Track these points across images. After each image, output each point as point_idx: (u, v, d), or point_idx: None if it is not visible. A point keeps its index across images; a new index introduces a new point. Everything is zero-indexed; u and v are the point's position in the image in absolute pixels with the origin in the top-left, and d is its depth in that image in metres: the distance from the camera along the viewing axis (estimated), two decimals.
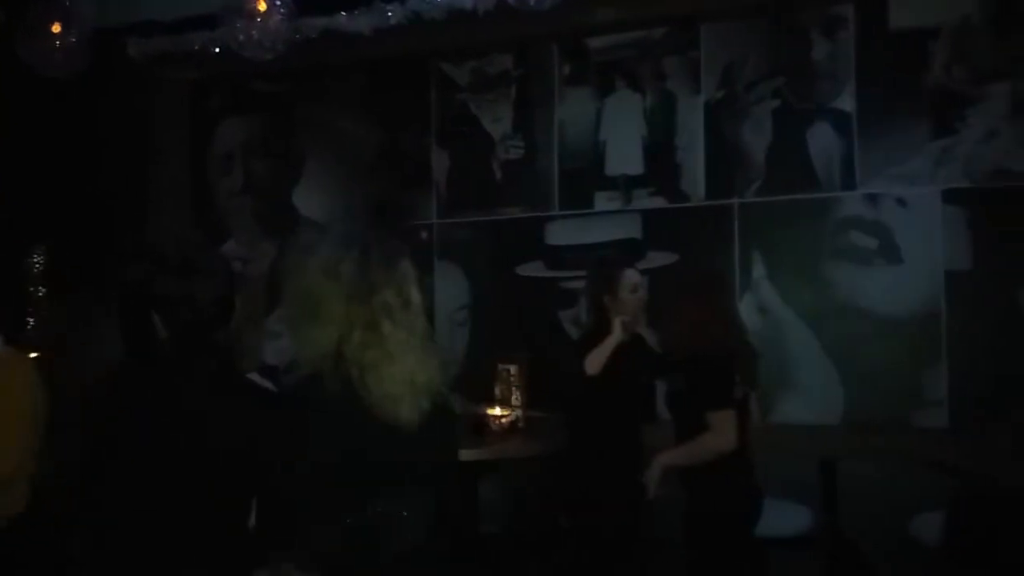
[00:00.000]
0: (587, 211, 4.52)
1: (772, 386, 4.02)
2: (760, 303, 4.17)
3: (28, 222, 4.57)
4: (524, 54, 4.71)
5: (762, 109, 4.23)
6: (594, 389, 3.17)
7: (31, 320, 4.06)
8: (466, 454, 2.99)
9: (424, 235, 4.79)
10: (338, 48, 4.58)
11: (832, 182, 4.10)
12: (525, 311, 4.57)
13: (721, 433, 2.76)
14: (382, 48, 4.56)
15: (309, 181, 5.12)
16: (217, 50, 4.42)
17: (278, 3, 3.73)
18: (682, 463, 2.86)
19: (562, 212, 4.58)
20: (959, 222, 3.88)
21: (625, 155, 4.48)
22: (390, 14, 4.38)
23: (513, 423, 3.68)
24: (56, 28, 3.88)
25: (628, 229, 4.42)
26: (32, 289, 4.21)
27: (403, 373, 1.72)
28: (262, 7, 3.72)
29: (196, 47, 4.67)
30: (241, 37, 3.72)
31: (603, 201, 4.49)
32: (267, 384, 1.99)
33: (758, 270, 4.19)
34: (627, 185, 4.46)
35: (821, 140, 4.13)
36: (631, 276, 3.30)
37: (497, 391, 3.82)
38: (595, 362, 3.16)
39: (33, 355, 3.11)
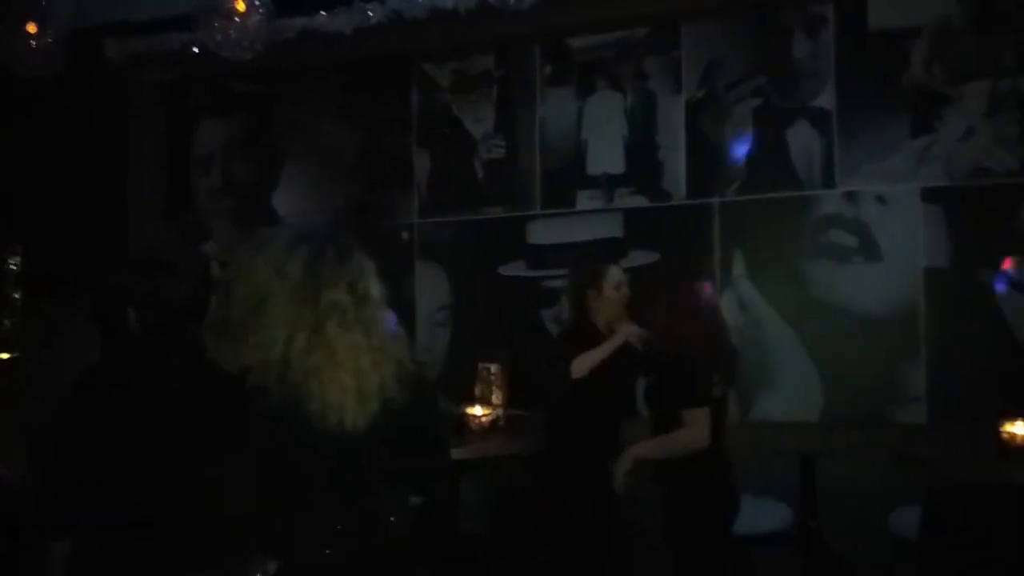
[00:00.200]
0: (569, 210, 4.52)
1: (752, 383, 4.04)
2: (740, 301, 4.18)
3: (4, 223, 4.53)
4: (505, 54, 4.70)
5: (743, 108, 4.24)
6: (576, 389, 3.16)
7: (7, 321, 4.03)
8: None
9: (405, 235, 4.78)
10: (318, 48, 4.56)
11: (812, 180, 4.11)
12: (507, 311, 4.56)
13: (695, 430, 2.76)
14: (362, 48, 4.55)
15: (288, 182, 5.09)
16: (196, 50, 4.37)
17: (257, 3, 3.70)
18: (653, 456, 2.86)
19: (544, 211, 4.58)
20: (938, 220, 3.90)
21: (607, 154, 4.48)
22: (370, 13, 4.38)
23: (494, 422, 3.68)
24: (32, 28, 3.84)
25: (610, 228, 4.43)
26: (8, 290, 4.18)
27: (348, 379, 1.61)
28: (241, 7, 3.68)
29: (174, 47, 4.63)
30: (219, 37, 3.68)
31: (585, 200, 4.50)
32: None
33: (739, 268, 4.20)
34: (609, 184, 4.47)
35: (801, 139, 4.15)
36: (616, 273, 3.31)
37: (477, 390, 3.82)
38: (584, 365, 3.14)
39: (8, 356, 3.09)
